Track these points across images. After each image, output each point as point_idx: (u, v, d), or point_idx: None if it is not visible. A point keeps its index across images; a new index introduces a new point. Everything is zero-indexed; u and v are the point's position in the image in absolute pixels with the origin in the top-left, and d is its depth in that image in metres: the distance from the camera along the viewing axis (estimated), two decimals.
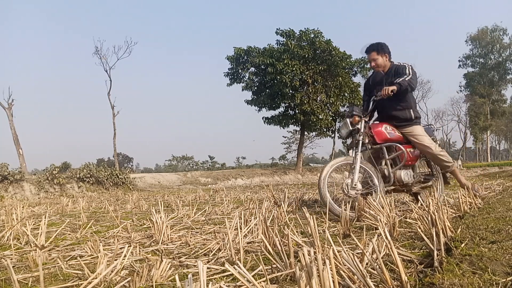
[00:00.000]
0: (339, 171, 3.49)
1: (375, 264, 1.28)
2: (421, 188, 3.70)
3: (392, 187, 3.49)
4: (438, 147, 3.58)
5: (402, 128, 3.62)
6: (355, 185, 3.23)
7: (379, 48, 3.65)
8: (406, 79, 3.42)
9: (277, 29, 19.25)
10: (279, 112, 20.81)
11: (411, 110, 3.60)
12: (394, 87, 3.35)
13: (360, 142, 3.38)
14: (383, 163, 3.52)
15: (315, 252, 1.52)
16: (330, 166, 3.38)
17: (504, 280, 1.08)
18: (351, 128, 3.51)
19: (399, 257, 1.23)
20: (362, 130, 3.43)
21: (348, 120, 3.55)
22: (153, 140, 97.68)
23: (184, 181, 16.53)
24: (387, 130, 3.52)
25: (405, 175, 3.44)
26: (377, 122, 3.68)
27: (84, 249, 2.07)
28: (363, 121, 3.47)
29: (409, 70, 3.52)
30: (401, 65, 3.61)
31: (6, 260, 1.76)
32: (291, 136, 43.14)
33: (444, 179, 3.90)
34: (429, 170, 3.93)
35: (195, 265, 1.68)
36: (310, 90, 18.94)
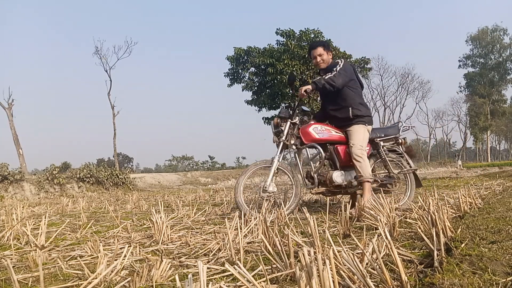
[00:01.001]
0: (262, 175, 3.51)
1: (375, 264, 1.28)
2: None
3: (323, 189, 3.42)
4: (359, 151, 3.30)
5: (344, 128, 3.50)
6: (266, 188, 3.31)
7: (325, 44, 3.60)
8: (326, 76, 3.29)
9: (277, 29, 19.26)
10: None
11: (350, 109, 3.42)
12: (308, 87, 3.28)
13: (281, 144, 3.37)
14: (312, 164, 3.46)
15: (315, 252, 1.52)
16: (248, 172, 3.47)
17: (504, 280, 1.08)
18: (274, 130, 3.52)
19: (399, 257, 1.23)
20: (285, 132, 3.39)
21: (272, 122, 3.58)
22: (153, 140, 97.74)
23: (184, 181, 16.54)
24: (315, 130, 3.40)
25: (337, 176, 3.33)
26: (311, 122, 3.55)
27: (84, 249, 2.07)
28: (288, 123, 3.42)
29: (337, 67, 3.37)
30: (335, 62, 3.48)
31: (6, 260, 1.76)
32: None
33: (416, 181, 3.63)
34: (387, 172, 3.62)
35: (195, 265, 1.68)
36: None
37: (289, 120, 3.45)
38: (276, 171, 3.38)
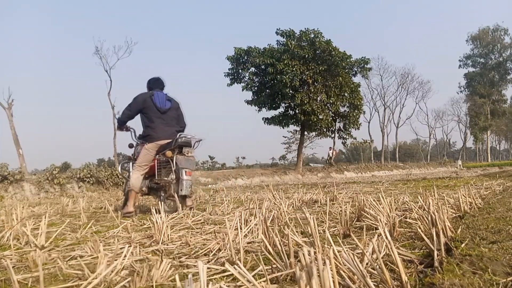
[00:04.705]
0: None
1: (375, 264, 1.28)
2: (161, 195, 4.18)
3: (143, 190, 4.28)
4: (134, 167, 4.08)
5: None
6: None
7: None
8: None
9: (277, 29, 19.28)
10: (279, 112, 20.82)
11: (142, 131, 4.25)
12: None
13: (131, 160, 4.37)
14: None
15: (315, 252, 1.51)
16: None
17: (505, 280, 1.07)
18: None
19: (399, 257, 1.23)
20: (135, 152, 4.34)
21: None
22: None
23: None
24: (136, 150, 4.32)
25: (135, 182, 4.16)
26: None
27: (84, 249, 2.07)
28: (135, 145, 4.41)
29: None
30: None
31: (6, 261, 1.76)
32: (291, 136, 43.02)
33: (181, 196, 3.92)
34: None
35: (195, 265, 1.68)
36: (311, 90, 18.94)
37: (137, 142, 4.40)
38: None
